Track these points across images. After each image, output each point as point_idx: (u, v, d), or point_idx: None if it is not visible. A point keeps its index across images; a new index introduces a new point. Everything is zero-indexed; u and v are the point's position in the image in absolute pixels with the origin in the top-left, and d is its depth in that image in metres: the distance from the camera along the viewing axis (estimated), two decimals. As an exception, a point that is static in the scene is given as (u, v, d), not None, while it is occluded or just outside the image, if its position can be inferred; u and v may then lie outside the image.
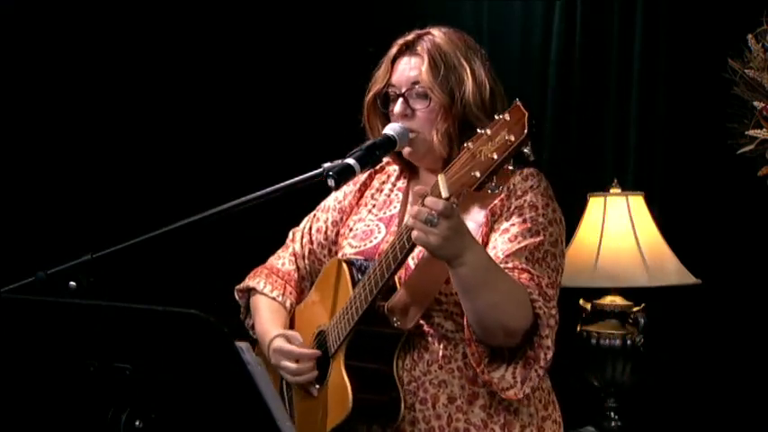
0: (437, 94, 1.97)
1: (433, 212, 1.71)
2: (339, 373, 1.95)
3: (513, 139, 1.62)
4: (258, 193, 1.92)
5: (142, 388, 1.58)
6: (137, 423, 1.57)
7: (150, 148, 3.54)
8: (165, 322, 1.52)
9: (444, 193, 1.71)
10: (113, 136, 3.46)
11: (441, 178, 1.73)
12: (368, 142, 2.01)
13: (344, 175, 1.89)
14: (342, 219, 2.20)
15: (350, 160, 1.91)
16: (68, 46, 3.37)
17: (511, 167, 1.66)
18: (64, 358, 1.64)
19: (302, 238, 2.25)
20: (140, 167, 3.50)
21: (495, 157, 1.64)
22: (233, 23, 3.76)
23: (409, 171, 2.16)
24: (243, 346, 1.58)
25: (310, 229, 2.25)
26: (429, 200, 1.73)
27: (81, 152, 3.39)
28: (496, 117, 1.67)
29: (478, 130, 1.69)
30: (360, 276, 1.98)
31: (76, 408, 1.63)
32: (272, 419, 1.56)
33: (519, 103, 1.65)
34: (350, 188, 2.21)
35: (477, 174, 1.66)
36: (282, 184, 1.93)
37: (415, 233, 1.74)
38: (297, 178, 1.93)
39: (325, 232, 2.22)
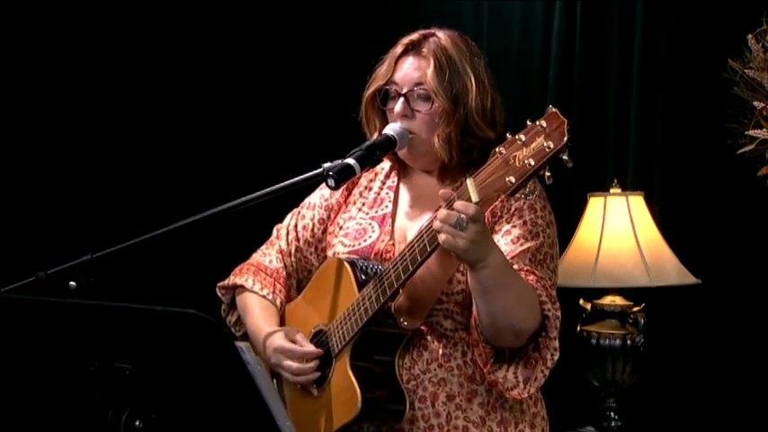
0: (441, 98, 1.97)
1: (463, 216, 1.72)
2: (345, 374, 1.95)
3: (552, 145, 1.63)
4: (258, 193, 1.93)
5: (142, 388, 1.58)
6: (137, 423, 1.57)
7: (150, 149, 3.54)
8: (165, 322, 1.52)
9: (474, 198, 1.73)
10: (113, 136, 3.46)
11: (470, 183, 1.74)
12: (368, 142, 2.02)
13: (344, 175, 1.90)
14: (329, 216, 2.20)
15: (350, 160, 1.92)
16: (69, 47, 3.37)
17: (548, 173, 1.67)
18: (64, 358, 1.64)
19: (288, 235, 2.24)
20: (140, 167, 3.50)
21: (533, 163, 1.65)
22: (233, 24, 3.76)
23: (399, 169, 2.16)
24: (243, 346, 1.58)
25: (296, 226, 2.24)
26: (460, 204, 1.73)
27: (81, 152, 3.38)
28: (529, 123, 1.68)
29: (508, 136, 1.71)
30: (364, 277, 1.98)
31: (76, 408, 1.63)
32: (271, 419, 1.56)
33: (556, 110, 1.66)
34: None
35: (513, 179, 1.68)
36: (282, 184, 1.93)
37: (443, 236, 1.75)
38: (297, 178, 1.93)
39: (312, 230, 2.21)
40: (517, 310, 1.85)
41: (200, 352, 1.53)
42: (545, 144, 1.64)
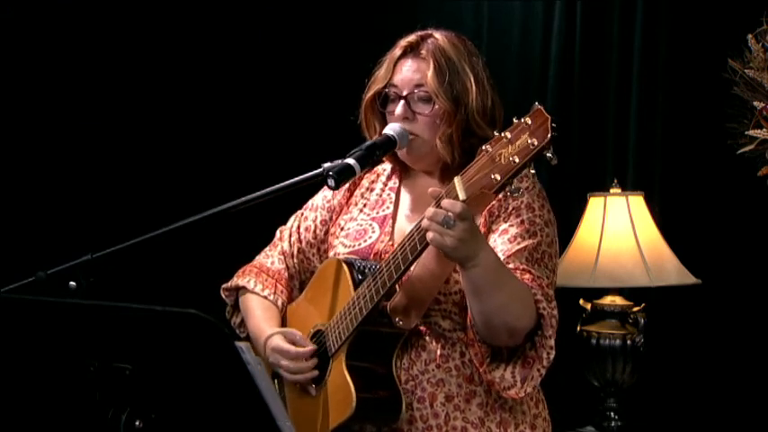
0: (441, 99, 1.98)
1: (450, 214, 1.72)
2: (340, 373, 1.95)
3: (536, 142, 1.64)
4: (258, 193, 1.92)
5: (142, 388, 1.58)
6: (137, 423, 1.57)
7: (150, 149, 3.54)
8: (165, 322, 1.52)
9: (462, 196, 1.73)
10: (113, 136, 3.46)
11: (457, 181, 1.75)
12: (368, 142, 2.02)
13: (344, 175, 1.90)
14: (331, 218, 2.21)
15: (350, 160, 1.92)
16: (68, 47, 3.37)
17: (533, 171, 1.68)
18: (64, 358, 1.64)
19: (290, 236, 2.25)
20: (140, 167, 3.50)
21: (517, 160, 1.66)
22: (233, 24, 3.76)
23: (401, 171, 2.16)
24: (243, 346, 1.58)
25: (298, 227, 2.24)
26: (446, 202, 1.74)
27: (81, 152, 3.38)
28: (515, 121, 1.68)
29: (496, 133, 1.71)
30: (360, 277, 1.98)
31: (76, 408, 1.63)
32: (271, 419, 1.56)
33: (540, 106, 1.66)
34: None
35: (498, 177, 1.68)
36: (282, 184, 1.93)
37: (430, 234, 1.75)
38: (297, 178, 1.93)
39: (314, 231, 2.22)
40: (511, 308, 1.84)
41: (201, 352, 1.53)
42: (529, 141, 1.64)
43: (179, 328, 1.51)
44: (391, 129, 2.01)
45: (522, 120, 1.67)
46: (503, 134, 1.69)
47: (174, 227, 1.91)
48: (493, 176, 1.68)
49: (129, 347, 1.58)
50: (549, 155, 1.64)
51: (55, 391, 1.66)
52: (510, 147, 1.67)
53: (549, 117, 1.63)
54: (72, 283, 1.83)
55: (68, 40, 3.37)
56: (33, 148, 3.30)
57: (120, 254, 1.89)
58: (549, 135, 1.63)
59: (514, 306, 1.85)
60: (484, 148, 1.72)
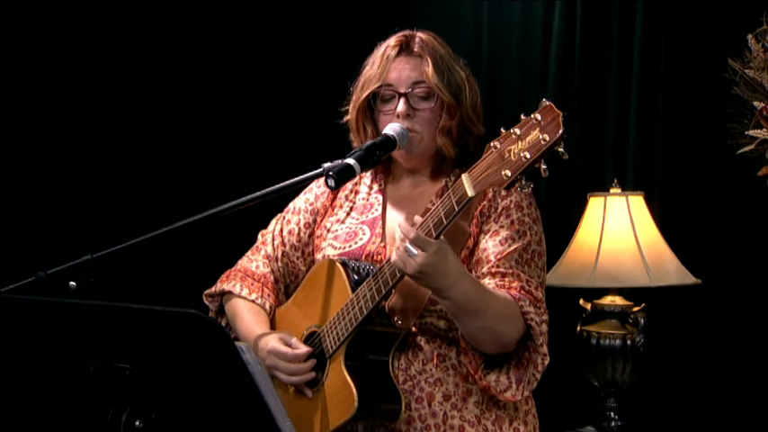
0: (444, 94, 2.00)
1: (412, 248, 1.76)
2: (340, 374, 1.94)
3: (547, 138, 1.63)
4: (258, 193, 1.93)
5: (142, 388, 1.58)
6: (137, 423, 1.57)
7: (150, 148, 3.54)
8: (165, 322, 1.52)
9: (470, 192, 1.74)
10: (113, 136, 3.46)
11: (465, 177, 1.75)
12: (368, 142, 2.02)
13: (344, 175, 1.90)
14: (315, 220, 2.20)
15: (350, 160, 1.92)
16: (68, 46, 3.37)
17: (544, 166, 1.67)
18: (64, 358, 1.64)
19: (273, 240, 2.23)
20: (140, 167, 3.50)
21: (529, 156, 1.65)
22: (232, 24, 3.76)
23: (384, 173, 2.17)
24: (243, 346, 1.58)
25: (281, 231, 2.23)
26: (404, 228, 1.78)
27: (81, 152, 3.39)
28: (524, 117, 1.68)
29: (502, 130, 1.71)
30: (356, 277, 1.98)
31: (76, 408, 1.63)
32: (271, 419, 1.56)
33: (550, 102, 1.66)
34: (321, 190, 2.21)
35: (509, 173, 1.68)
36: (282, 184, 1.93)
37: (394, 257, 1.80)
38: (297, 178, 1.93)
39: (298, 234, 2.21)
40: (495, 327, 1.88)
41: (201, 352, 1.53)
42: (540, 137, 1.64)
43: (179, 328, 1.51)
44: (391, 129, 2.01)
45: (532, 116, 1.67)
46: (511, 130, 1.69)
47: (174, 227, 1.91)
48: (503, 173, 1.68)
49: (129, 347, 1.58)
50: (560, 150, 1.64)
51: (55, 391, 1.66)
52: (520, 143, 1.67)
53: (561, 113, 1.63)
54: (72, 283, 1.83)
55: (68, 41, 3.37)
56: (33, 149, 3.30)
57: (120, 254, 1.89)
58: (561, 130, 1.62)
59: (498, 325, 1.88)
60: (492, 144, 1.72)
